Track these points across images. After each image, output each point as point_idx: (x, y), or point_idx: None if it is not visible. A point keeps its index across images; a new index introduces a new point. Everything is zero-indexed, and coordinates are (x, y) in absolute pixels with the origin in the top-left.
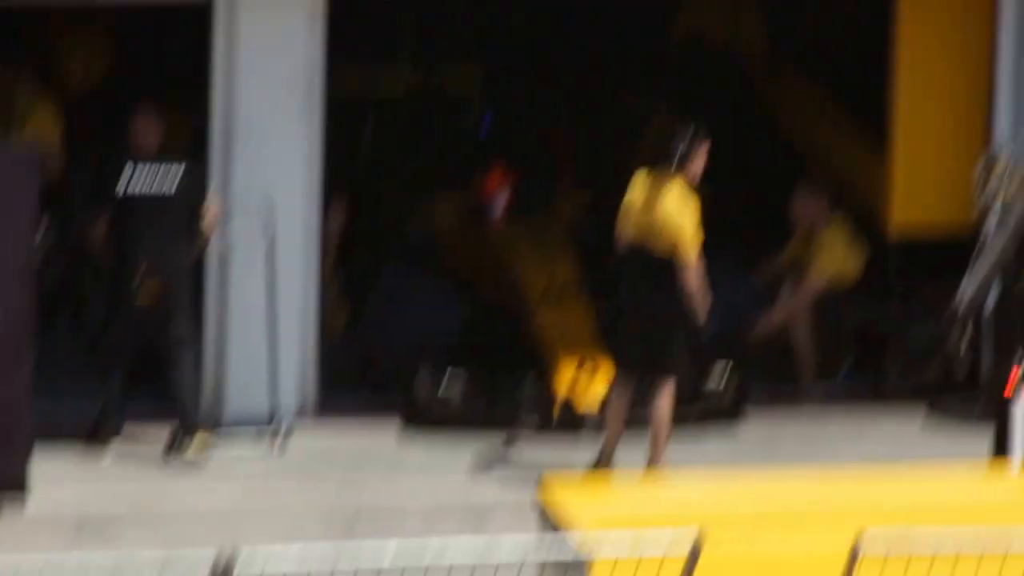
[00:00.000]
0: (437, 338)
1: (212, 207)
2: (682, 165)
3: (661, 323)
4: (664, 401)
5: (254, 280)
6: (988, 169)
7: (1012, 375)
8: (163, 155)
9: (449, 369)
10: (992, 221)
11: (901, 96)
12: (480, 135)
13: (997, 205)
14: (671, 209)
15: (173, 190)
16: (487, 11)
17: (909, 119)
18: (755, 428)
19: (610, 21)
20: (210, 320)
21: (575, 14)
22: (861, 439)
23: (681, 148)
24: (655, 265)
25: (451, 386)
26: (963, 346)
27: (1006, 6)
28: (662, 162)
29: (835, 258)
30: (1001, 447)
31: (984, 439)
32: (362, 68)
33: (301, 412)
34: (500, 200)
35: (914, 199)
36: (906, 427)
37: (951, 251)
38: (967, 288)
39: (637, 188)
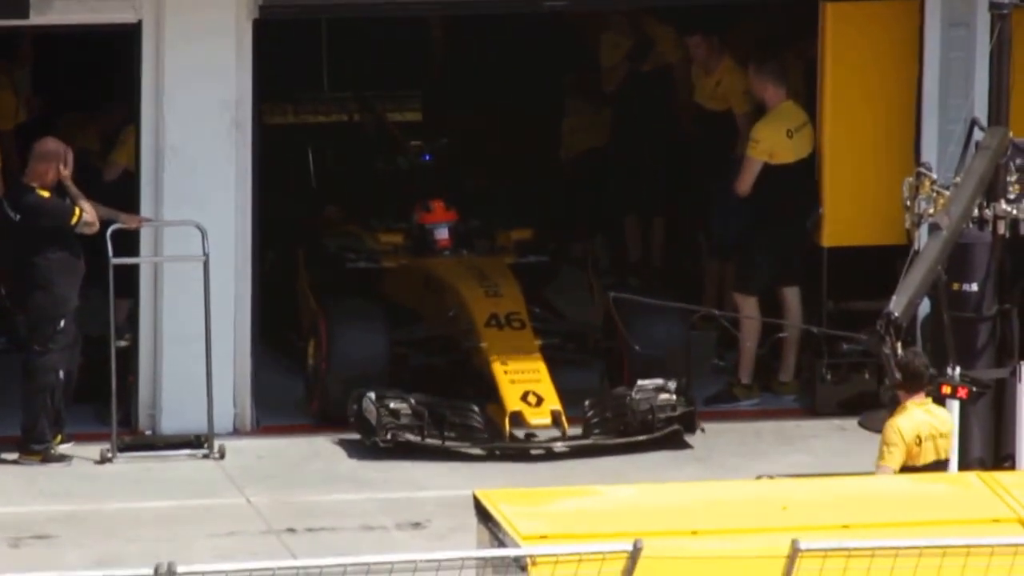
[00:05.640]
0: (381, 364)
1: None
2: None
3: None
4: None
5: (187, 300)
6: (915, 188)
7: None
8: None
9: (395, 395)
10: (921, 236)
11: (828, 118)
12: (422, 168)
13: (925, 223)
14: None
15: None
16: (427, 44)
17: (836, 141)
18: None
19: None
20: (144, 338)
21: (517, 47)
22: (794, 451)
23: None
24: None
25: (397, 412)
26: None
27: (931, 26)
28: None
29: (775, 133)
30: None
31: None
32: (296, 96)
33: (237, 428)
34: (442, 230)
35: (842, 222)
36: (837, 441)
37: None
38: (899, 299)
39: None
